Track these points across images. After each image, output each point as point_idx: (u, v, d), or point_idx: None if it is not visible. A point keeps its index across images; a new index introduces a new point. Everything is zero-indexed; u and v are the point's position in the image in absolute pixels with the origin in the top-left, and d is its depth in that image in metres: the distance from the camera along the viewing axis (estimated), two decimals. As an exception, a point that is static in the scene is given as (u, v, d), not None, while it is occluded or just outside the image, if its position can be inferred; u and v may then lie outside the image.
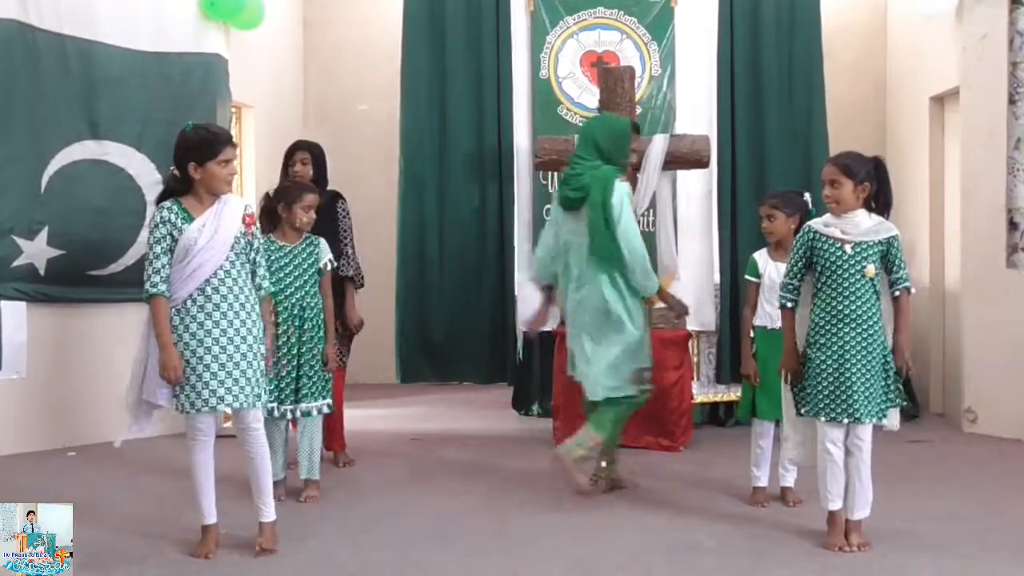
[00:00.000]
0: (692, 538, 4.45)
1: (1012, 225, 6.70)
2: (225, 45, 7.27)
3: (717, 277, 7.36)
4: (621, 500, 5.16)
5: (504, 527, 4.67)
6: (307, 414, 5.16)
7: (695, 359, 7.11)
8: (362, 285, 6.04)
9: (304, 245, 5.20)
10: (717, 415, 7.37)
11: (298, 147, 6.06)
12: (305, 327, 5.13)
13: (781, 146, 7.42)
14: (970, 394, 7.00)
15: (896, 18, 8.56)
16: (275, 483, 5.04)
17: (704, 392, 7.13)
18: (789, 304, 4.35)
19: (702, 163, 6.73)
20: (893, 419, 4.30)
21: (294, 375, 5.10)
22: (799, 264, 4.30)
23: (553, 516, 4.85)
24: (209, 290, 4.03)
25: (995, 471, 5.82)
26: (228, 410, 4.13)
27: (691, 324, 6.87)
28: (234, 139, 4.18)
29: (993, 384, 6.84)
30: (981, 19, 6.89)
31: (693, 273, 7.25)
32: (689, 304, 6.93)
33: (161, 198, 4.20)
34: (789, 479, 4.99)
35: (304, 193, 5.20)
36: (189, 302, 4.03)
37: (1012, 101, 6.67)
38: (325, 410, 5.26)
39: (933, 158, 7.73)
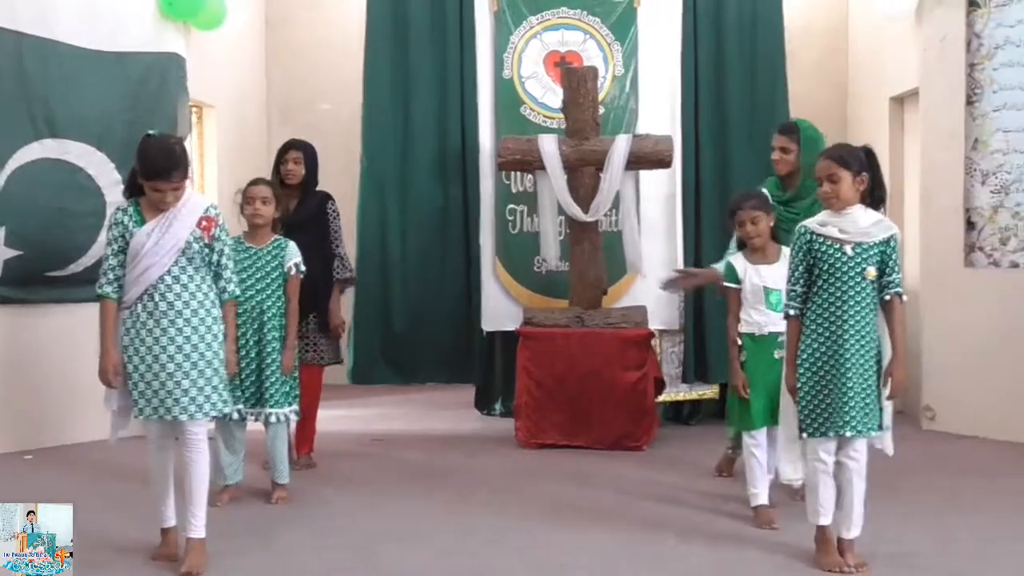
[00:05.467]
0: (656, 537, 4.47)
1: (970, 225, 6.79)
2: (184, 44, 7.22)
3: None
4: (586, 501, 5.17)
5: (468, 527, 4.66)
6: (277, 420, 5.12)
7: (658, 358, 7.11)
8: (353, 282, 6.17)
9: (270, 247, 5.14)
10: (681, 413, 7.41)
11: (292, 145, 5.96)
12: (264, 331, 5.07)
13: (744, 146, 7.42)
14: (929, 392, 7.07)
15: (857, 19, 8.63)
16: (227, 486, 5.13)
17: (667, 391, 7.13)
18: (793, 312, 4.05)
19: (665, 163, 6.75)
20: (887, 440, 4.10)
21: (254, 378, 5.06)
22: (800, 268, 4.02)
23: (517, 516, 4.85)
24: (157, 296, 3.95)
25: (953, 468, 5.89)
26: (153, 419, 4.00)
27: (653, 323, 6.89)
28: (172, 175, 3.91)
29: (951, 382, 6.91)
30: (940, 21, 6.97)
31: (657, 273, 7.25)
32: (651, 303, 7.03)
33: (127, 192, 4.13)
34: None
35: (249, 186, 5.16)
36: (139, 306, 3.98)
37: (970, 102, 6.77)
38: (292, 417, 5.22)
39: (893, 158, 7.80)
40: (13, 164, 6.23)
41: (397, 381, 7.84)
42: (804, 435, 4.01)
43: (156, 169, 3.91)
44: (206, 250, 4.06)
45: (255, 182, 5.21)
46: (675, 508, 4.98)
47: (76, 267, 6.52)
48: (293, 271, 5.16)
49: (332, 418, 7.44)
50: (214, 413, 4.06)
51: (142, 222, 3.99)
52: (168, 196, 3.95)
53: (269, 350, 5.08)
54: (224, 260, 4.13)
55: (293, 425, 5.50)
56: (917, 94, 7.31)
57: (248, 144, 8.67)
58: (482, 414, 7.79)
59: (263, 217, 5.12)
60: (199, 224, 4.02)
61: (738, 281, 4.80)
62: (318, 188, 6.03)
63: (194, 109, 7.67)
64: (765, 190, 5.35)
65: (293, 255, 5.17)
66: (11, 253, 6.20)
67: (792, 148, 5.26)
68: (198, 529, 4.06)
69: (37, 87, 6.35)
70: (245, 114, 8.95)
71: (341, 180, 8.10)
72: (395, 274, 7.65)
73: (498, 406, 7.71)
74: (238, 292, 4.25)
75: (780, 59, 7.61)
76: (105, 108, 6.65)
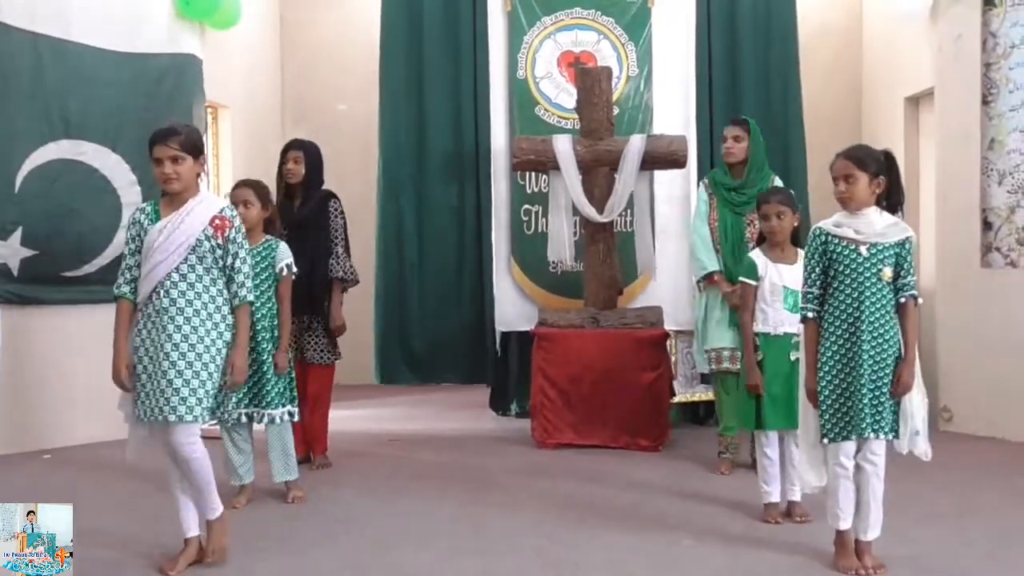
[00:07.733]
0: (672, 537, 4.45)
1: (986, 225, 6.76)
2: (200, 45, 7.25)
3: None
4: (601, 500, 5.16)
5: (481, 527, 4.66)
6: (270, 421, 5.05)
7: (673, 358, 7.11)
8: (356, 282, 6.01)
9: (260, 248, 5.05)
10: (697, 414, 7.39)
11: (292, 145, 5.99)
12: (255, 331, 4.90)
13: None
14: (945, 393, 7.04)
15: (872, 18, 8.61)
16: (243, 486, 5.10)
17: (683, 391, 7.13)
18: (811, 315, 4.01)
19: (679, 163, 6.75)
20: (922, 445, 3.96)
21: (250, 380, 4.91)
22: (816, 270, 3.99)
23: (531, 516, 4.84)
24: (163, 293, 3.89)
25: (970, 469, 5.86)
26: (150, 422, 3.90)
27: (668, 323, 6.87)
28: (169, 138, 3.88)
29: (968, 383, 6.88)
30: (955, 20, 6.95)
31: (671, 273, 7.27)
32: (667, 304, 7.02)
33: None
34: (797, 493, 4.71)
35: (233, 189, 5.13)
36: (149, 305, 3.92)
37: (986, 102, 6.74)
38: (287, 417, 5.11)
39: (908, 158, 7.77)
40: (29, 164, 6.27)
41: (416, 381, 7.85)
42: (826, 440, 3.96)
43: (154, 136, 3.91)
44: (219, 251, 3.98)
45: (236, 185, 5.16)
46: (691, 508, 4.96)
47: (91, 268, 6.55)
48: (284, 272, 5.09)
49: (349, 418, 7.48)
50: (189, 419, 3.84)
51: (156, 220, 3.95)
52: (167, 166, 3.87)
53: (260, 350, 4.97)
54: (238, 264, 4.01)
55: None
56: (932, 94, 7.28)
57: (262, 144, 8.69)
58: (497, 415, 7.79)
59: (244, 220, 5.04)
60: (212, 223, 3.95)
61: (758, 278, 4.77)
62: (324, 187, 6.00)
63: (209, 109, 7.69)
64: (710, 178, 5.98)
65: (284, 256, 5.10)
66: (27, 253, 6.24)
67: (744, 137, 5.82)
68: (214, 511, 4.04)
69: (53, 87, 6.39)
70: (260, 114, 8.97)
71: (355, 180, 8.16)
72: (412, 273, 7.69)
73: (513, 406, 7.71)
74: (251, 298, 4.08)
75: (794, 59, 7.61)
76: (121, 109, 6.68)
